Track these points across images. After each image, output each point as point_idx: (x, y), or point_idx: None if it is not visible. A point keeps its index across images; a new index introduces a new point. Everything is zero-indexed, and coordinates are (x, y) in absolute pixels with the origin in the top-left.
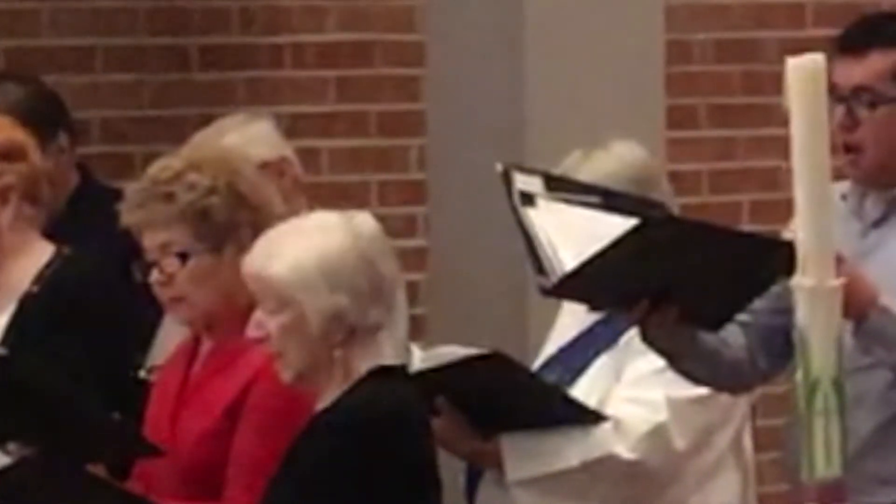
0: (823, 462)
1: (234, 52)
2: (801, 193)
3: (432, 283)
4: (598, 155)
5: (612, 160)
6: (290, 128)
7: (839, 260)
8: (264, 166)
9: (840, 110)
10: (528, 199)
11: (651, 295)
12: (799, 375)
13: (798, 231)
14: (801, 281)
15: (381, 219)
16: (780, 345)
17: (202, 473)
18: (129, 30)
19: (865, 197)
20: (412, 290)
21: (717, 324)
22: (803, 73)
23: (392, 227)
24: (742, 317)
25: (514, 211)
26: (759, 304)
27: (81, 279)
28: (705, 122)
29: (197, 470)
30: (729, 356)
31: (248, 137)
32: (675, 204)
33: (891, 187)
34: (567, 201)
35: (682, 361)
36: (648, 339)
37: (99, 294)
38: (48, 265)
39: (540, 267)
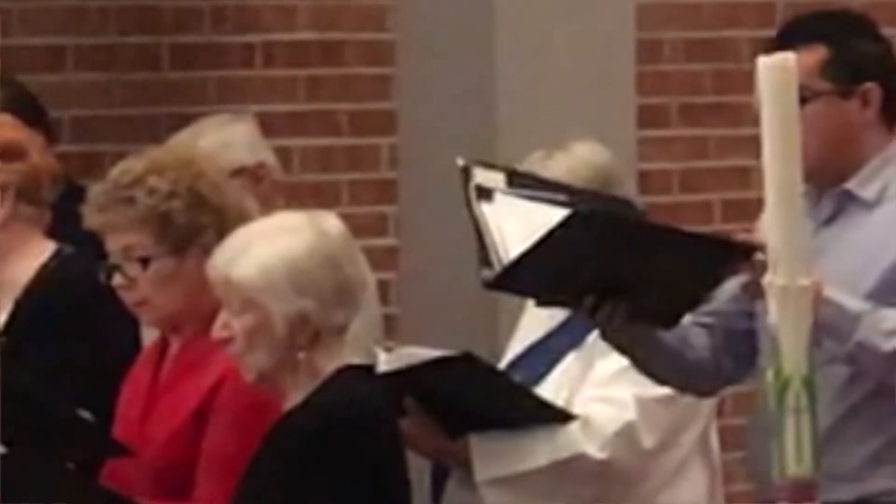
0: (794, 460)
1: (205, 52)
2: (771, 192)
3: (403, 282)
4: (560, 155)
5: (574, 160)
6: (262, 127)
7: None
8: (240, 171)
9: None
10: (486, 193)
11: (596, 291)
12: (770, 374)
13: (768, 230)
14: (773, 280)
15: (351, 218)
16: (745, 347)
17: (172, 473)
18: (100, 29)
19: (820, 196)
20: (383, 289)
21: (669, 322)
22: (774, 71)
23: (363, 227)
24: (707, 319)
25: (468, 204)
26: (724, 306)
27: (77, 279)
28: (676, 121)
29: (167, 470)
30: (692, 357)
31: (224, 141)
32: (641, 204)
33: (837, 184)
34: (530, 198)
35: (643, 361)
36: (608, 338)
37: (94, 294)
38: (46, 264)
39: (486, 259)
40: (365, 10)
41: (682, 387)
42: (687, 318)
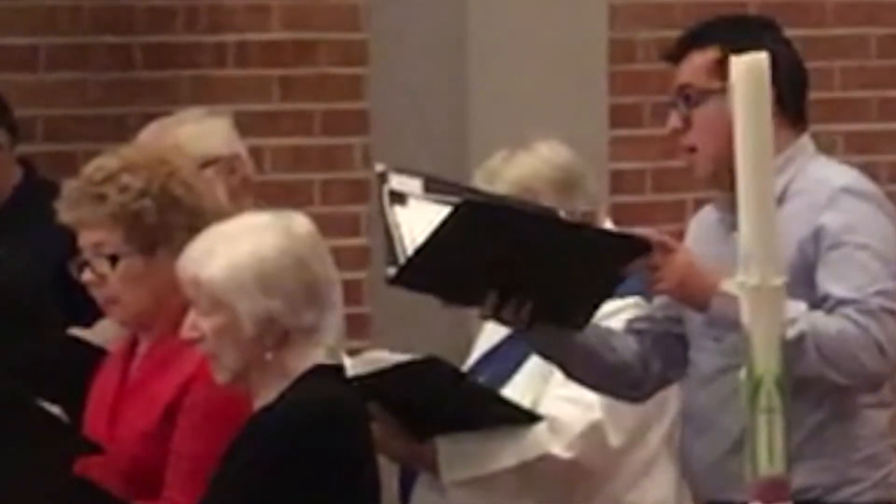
0: (766, 460)
1: (178, 51)
2: (743, 191)
3: (375, 281)
4: (522, 155)
5: (535, 160)
6: (235, 126)
7: (670, 250)
8: (216, 161)
9: (672, 115)
10: (399, 198)
11: (498, 288)
12: (742, 374)
13: (741, 229)
14: (745, 279)
15: (324, 217)
16: (675, 351)
17: (141, 474)
18: (73, 28)
19: (729, 200)
20: (355, 288)
21: (578, 323)
22: (747, 71)
23: (335, 226)
24: (639, 325)
25: (380, 208)
26: (654, 312)
27: (9, 281)
28: (649, 120)
29: (136, 470)
30: (613, 360)
31: (204, 130)
32: (605, 202)
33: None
34: (446, 203)
35: (564, 364)
36: (528, 342)
37: (28, 296)
38: None
39: (393, 259)
40: (338, 9)
41: (608, 390)
42: (619, 325)
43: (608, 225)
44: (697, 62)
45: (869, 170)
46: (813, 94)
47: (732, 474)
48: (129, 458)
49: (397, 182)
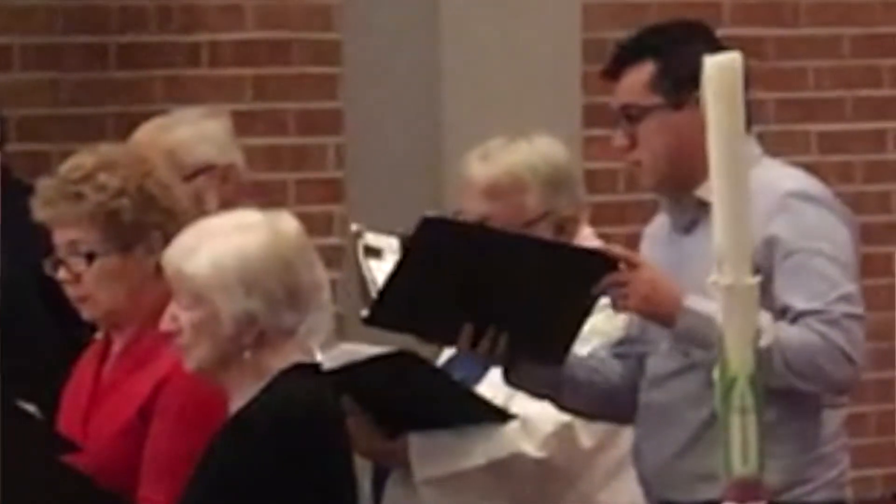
0: (740, 460)
1: (151, 51)
2: (717, 191)
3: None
4: (521, 143)
5: (533, 152)
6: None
7: (635, 265)
8: (210, 169)
9: (617, 134)
10: (374, 252)
11: (472, 321)
12: (716, 374)
13: (715, 229)
14: (719, 279)
15: (298, 217)
16: None
17: (115, 473)
18: (46, 28)
19: (679, 205)
20: (330, 288)
21: (557, 355)
22: (721, 71)
23: (309, 226)
24: (620, 349)
25: (354, 261)
26: (633, 332)
27: None
28: None
29: (110, 470)
30: (602, 385)
31: (199, 134)
32: (586, 204)
33: (687, 192)
34: None
35: (556, 399)
36: (514, 384)
37: (3, 297)
38: None
39: (368, 301)
40: (311, 9)
41: (602, 415)
42: (602, 352)
43: (588, 230)
44: (633, 80)
45: (843, 170)
46: (787, 94)
47: (680, 476)
48: (103, 457)
49: (372, 240)
